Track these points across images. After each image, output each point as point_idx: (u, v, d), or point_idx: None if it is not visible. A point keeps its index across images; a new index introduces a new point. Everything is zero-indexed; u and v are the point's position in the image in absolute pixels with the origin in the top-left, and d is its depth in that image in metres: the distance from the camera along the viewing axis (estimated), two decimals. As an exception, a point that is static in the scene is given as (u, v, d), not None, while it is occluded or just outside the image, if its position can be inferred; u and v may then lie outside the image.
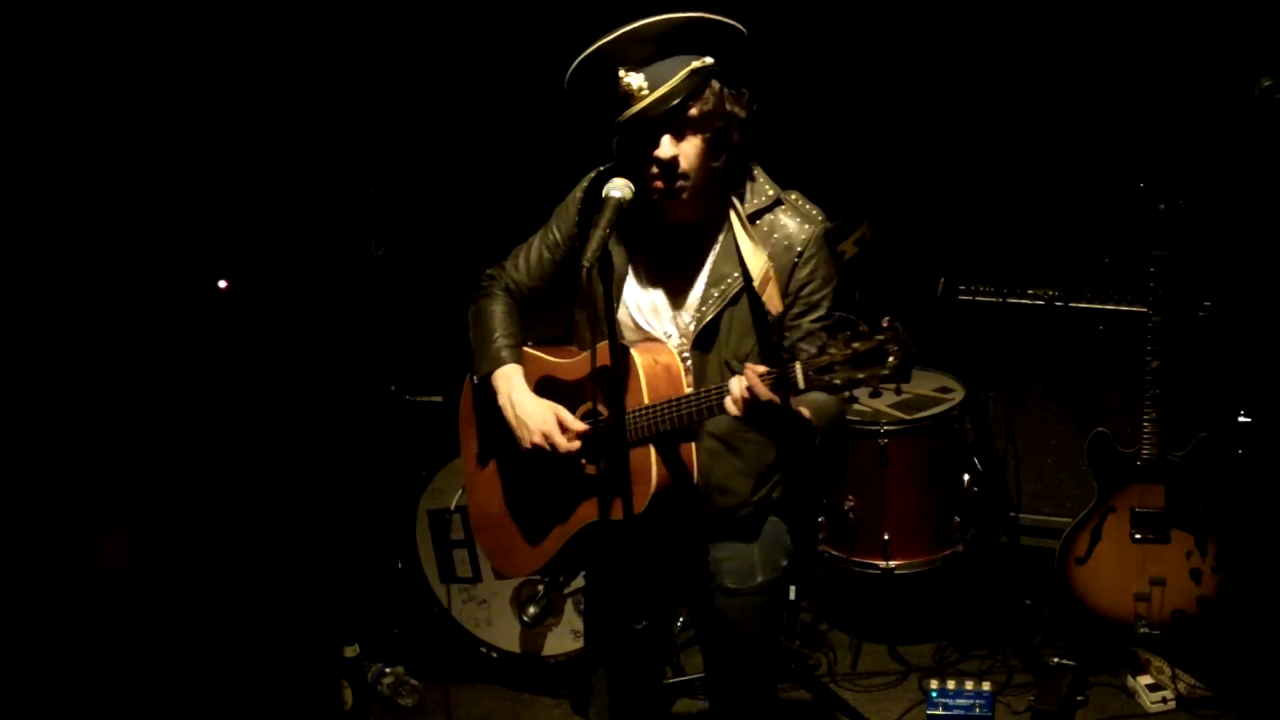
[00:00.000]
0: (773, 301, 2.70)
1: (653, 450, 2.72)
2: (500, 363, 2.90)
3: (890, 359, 2.44)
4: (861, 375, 2.48)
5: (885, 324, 2.47)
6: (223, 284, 4.59)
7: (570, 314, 2.99)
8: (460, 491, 4.16)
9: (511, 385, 2.87)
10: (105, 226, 4.49)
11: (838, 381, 2.49)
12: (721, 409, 2.63)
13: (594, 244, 2.53)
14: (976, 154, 4.73)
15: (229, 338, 4.69)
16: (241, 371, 4.74)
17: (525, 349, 2.95)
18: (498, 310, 2.96)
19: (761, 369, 2.56)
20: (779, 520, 2.95)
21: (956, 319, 4.49)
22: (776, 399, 2.54)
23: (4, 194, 4.30)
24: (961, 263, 4.52)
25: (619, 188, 2.61)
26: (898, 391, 4.30)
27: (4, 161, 4.29)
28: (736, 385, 2.58)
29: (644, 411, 2.71)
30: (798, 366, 2.52)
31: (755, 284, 2.69)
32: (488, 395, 2.92)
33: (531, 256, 2.96)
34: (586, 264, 2.53)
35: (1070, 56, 4.56)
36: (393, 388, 4.32)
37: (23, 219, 4.34)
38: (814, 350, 2.69)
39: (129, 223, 4.53)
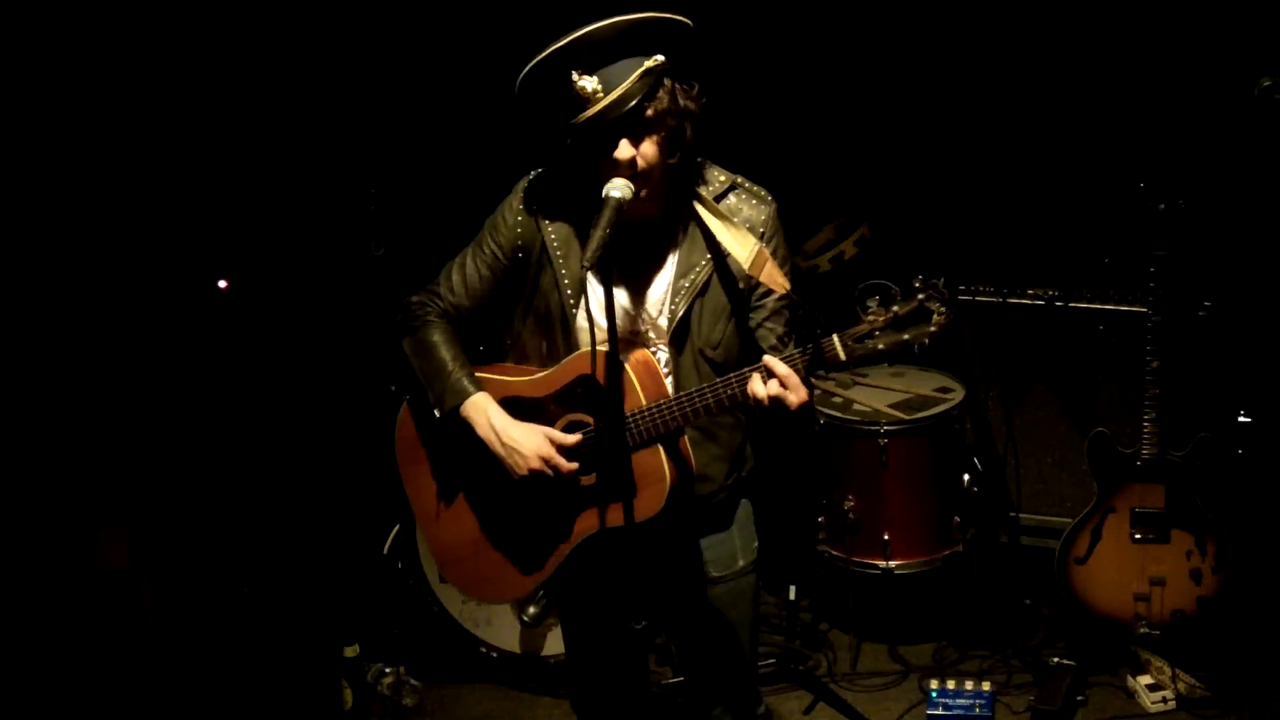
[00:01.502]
0: (774, 279, 2.68)
1: (662, 450, 2.71)
2: (465, 394, 2.79)
3: (936, 316, 2.46)
4: (906, 336, 2.50)
5: (918, 283, 2.48)
6: (223, 284, 4.59)
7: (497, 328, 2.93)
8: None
9: (489, 415, 2.78)
10: (105, 226, 4.49)
11: (881, 347, 2.50)
12: (744, 397, 2.61)
13: (594, 245, 2.52)
14: (976, 154, 4.72)
15: (229, 338, 4.69)
16: (241, 372, 4.74)
17: (477, 373, 2.85)
18: (440, 339, 2.84)
19: (792, 351, 2.58)
20: (747, 501, 2.97)
21: (956, 319, 4.47)
22: (813, 381, 2.55)
23: (4, 194, 4.30)
24: (961, 263, 4.52)
25: (619, 188, 2.60)
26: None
27: (4, 161, 4.29)
28: (758, 382, 2.57)
29: (644, 413, 2.69)
30: (835, 338, 2.53)
31: (748, 267, 2.68)
32: (447, 428, 2.82)
33: (467, 275, 2.86)
34: (586, 265, 2.52)
35: (1070, 56, 4.55)
36: (393, 388, 4.31)
37: (23, 219, 4.34)
38: (781, 329, 2.73)
39: (129, 223, 4.53)
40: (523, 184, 2.84)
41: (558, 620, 4.11)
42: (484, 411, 2.79)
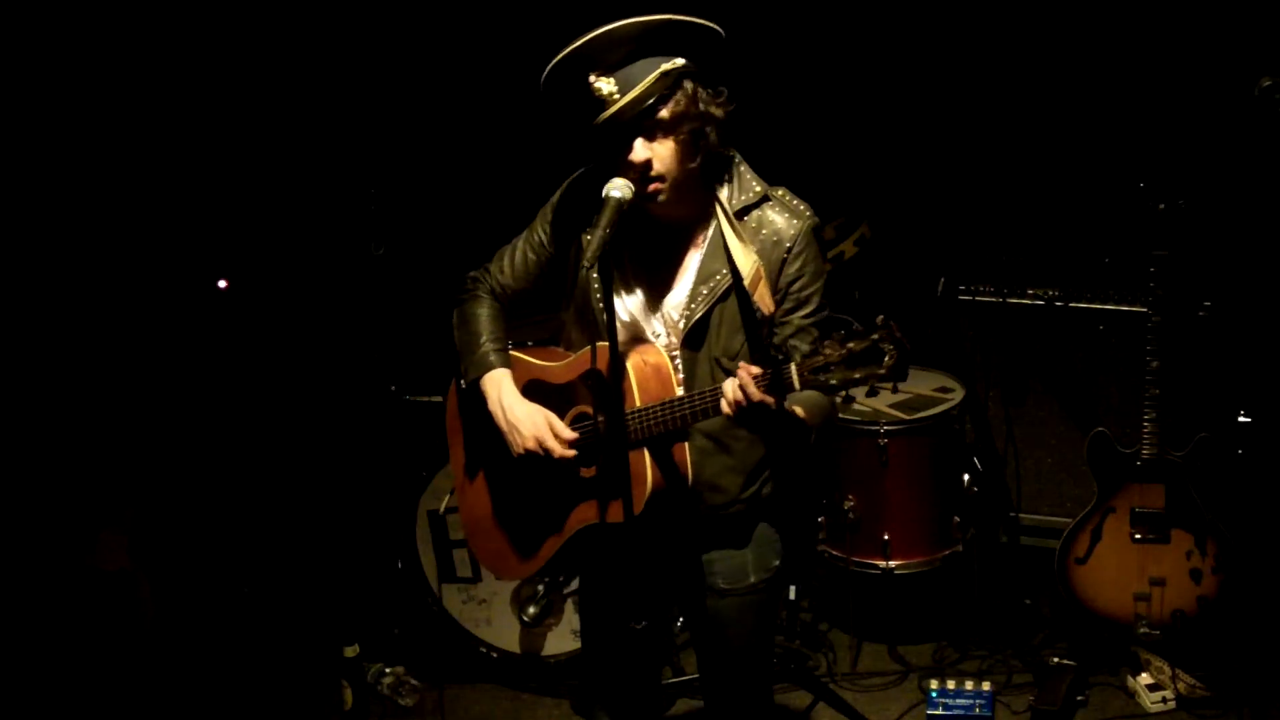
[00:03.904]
0: (764, 301, 2.69)
1: (647, 453, 2.72)
2: (488, 367, 2.88)
3: (886, 358, 2.44)
4: (858, 375, 2.48)
5: (879, 322, 2.47)
6: (223, 284, 4.59)
7: (557, 316, 2.97)
8: (451, 493, 4.15)
9: (501, 390, 2.85)
10: (105, 226, 4.49)
11: (833, 382, 2.48)
12: (715, 411, 2.63)
13: (595, 244, 2.53)
14: (976, 154, 4.73)
15: (229, 338, 4.69)
16: (241, 371, 4.74)
17: (512, 352, 2.93)
18: (483, 313, 2.93)
19: (756, 370, 2.56)
20: (769, 526, 2.94)
21: (956, 319, 4.49)
22: (770, 401, 2.54)
23: (4, 194, 4.30)
24: (961, 263, 4.52)
25: (619, 188, 2.60)
26: (894, 390, 4.30)
27: (4, 161, 4.29)
28: (730, 388, 2.58)
29: (636, 414, 2.70)
30: (792, 367, 2.52)
31: (745, 283, 2.68)
32: (475, 400, 2.90)
33: (516, 259, 2.93)
34: (587, 264, 2.53)
35: (1070, 56, 4.56)
36: (393, 388, 4.32)
37: (23, 219, 4.34)
38: (806, 347, 2.68)
39: (129, 223, 4.53)
40: (572, 179, 2.87)
41: (558, 620, 4.13)
42: (498, 386, 2.86)
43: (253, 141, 4.70)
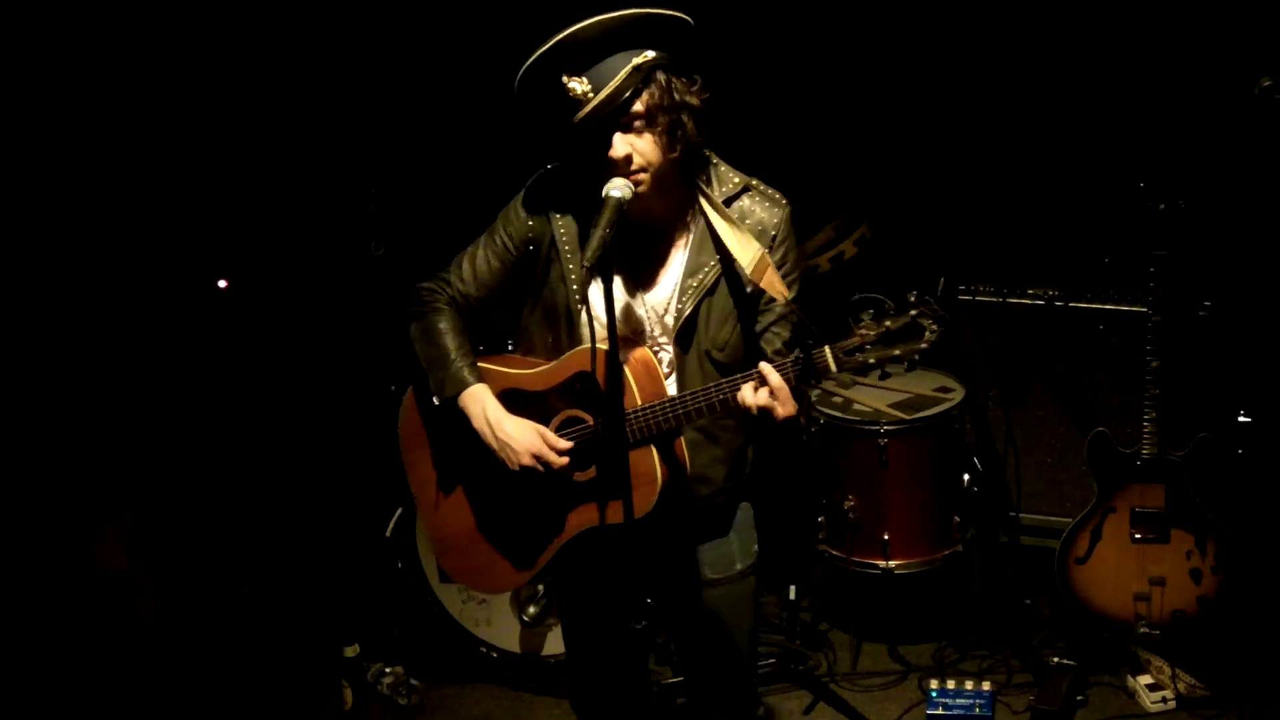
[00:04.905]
0: (774, 288, 2.68)
1: (654, 450, 2.72)
2: (464, 384, 2.82)
3: (927, 333, 2.46)
4: (897, 351, 2.51)
5: (913, 299, 2.49)
6: (223, 284, 4.60)
7: (505, 319, 2.94)
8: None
9: (486, 407, 2.80)
10: (105, 226, 4.49)
11: (871, 360, 2.51)
12: (733, 403, 2.62)
13: (595, 244, 2.52)
14: (976, 154, 4.73)
15: (229, 338, 4.69)
16: (241, 371, 4.74)
17: (480, 364, 2.87)
18: (446, 326, 2.87)
19: (784, 361, 2.58)
20: (747, 504, 2.97)
21: (956, 319, 4.48)
22: (803, 389, 2.55)
23: (4, 194, 4.30)
24: (961, 263, 4.52)
25: (619, 187, 2.60)
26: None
27: (4, 161, 4.29)
28: (749, 390, 2.58)
29: (638, 414, 2.70)
30: (826, 350, 2.53)
31: (749, 272, 2.68)
32: (447, 416, 2.85)
33: (477, 265, 2.87)
34: (586, 264, 2.52)
35: (1070, 56, 4.56)
36: (393, 388, 4.31)
37: (23, 219, 4.34)
38: (788, 334, 2.72)
39: (129, 223, 4.53)
40: (536, 178, 2.85)
41: (558, 620, 4.11)
42: (481, 403, 2.81)
43: (253, 141, 4.70)
